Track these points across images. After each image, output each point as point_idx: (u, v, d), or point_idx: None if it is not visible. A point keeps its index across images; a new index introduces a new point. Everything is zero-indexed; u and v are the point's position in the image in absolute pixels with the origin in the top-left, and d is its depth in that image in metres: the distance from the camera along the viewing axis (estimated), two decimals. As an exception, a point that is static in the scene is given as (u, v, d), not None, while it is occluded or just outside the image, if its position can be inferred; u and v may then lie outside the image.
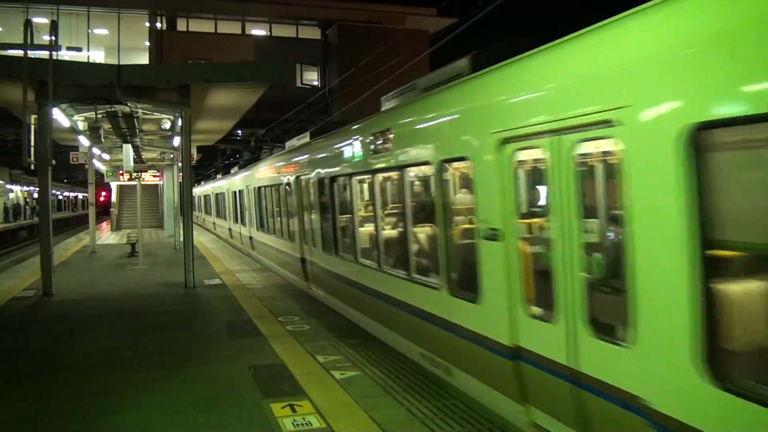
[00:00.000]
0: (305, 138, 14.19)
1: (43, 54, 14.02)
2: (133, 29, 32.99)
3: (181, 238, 16.84)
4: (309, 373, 7.13)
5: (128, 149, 19.64)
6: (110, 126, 18.09)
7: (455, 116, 6.37)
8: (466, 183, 6.56)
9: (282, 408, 5.97)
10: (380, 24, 34.32)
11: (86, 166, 25.76)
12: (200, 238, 29.24)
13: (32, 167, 13.90)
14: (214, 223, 33.98)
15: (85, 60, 28.29)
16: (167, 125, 19.58)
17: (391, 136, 7.81)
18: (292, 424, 5.59)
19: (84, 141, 21.63)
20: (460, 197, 6.96)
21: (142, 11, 33.44)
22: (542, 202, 5.77)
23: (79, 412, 6.17)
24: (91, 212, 25.61)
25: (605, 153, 5.44)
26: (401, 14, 35.65)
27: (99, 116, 16.61)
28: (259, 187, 18.11)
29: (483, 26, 11.07)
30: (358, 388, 6.49)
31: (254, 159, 25.84)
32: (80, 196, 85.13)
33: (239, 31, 35.37)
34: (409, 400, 6.08)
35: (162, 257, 21.21)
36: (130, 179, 26.95)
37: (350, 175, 9.68)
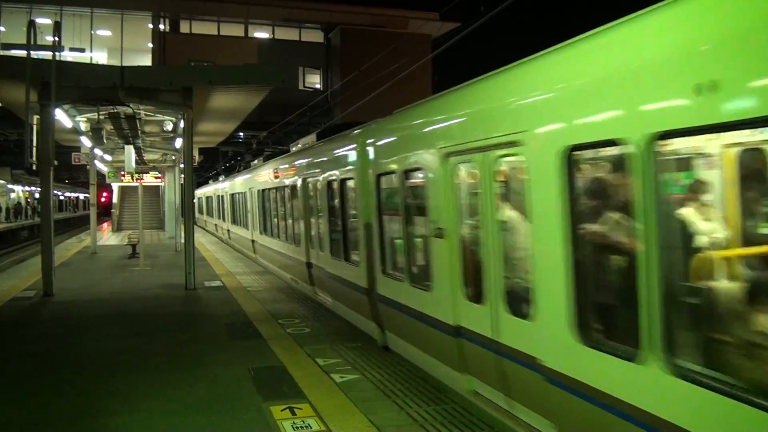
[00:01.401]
0: None
1: (47, 55, 14.03)
2: (136, 31, 33.05)
3: (182, 240, 16.84)
4: (309, 375, 7.13)
5: (130, 150, 19.69)
6: (112, 127, 18.12)
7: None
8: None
9: (282, 411, 5.97)
10: (383, 28, 34.35)
11: (88, 167, 25.81)
12: (201, 239, 29.25)
13: (34, 167, 13.92)
14: (253, 242, 21.08)
15: (88, 61, 28.32)
16: (169, 127, 19.61)
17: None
18: (292, 426, 5.59)
19: (86, 142, 21.68)
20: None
21: (146, 13, 33.49)
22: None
23: (79, 414, 6.17)
24: (93, 213, 25.63)
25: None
26: (404, 18, 35.69)
27: (101, 117, 16.63)
28: None
29: (486, 30, 11.10)
30: (358, 392, 6.49)
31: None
32: (81, 196, 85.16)
33: (242, 34, 35.41)
34: (409, 404, 6.08)
35: (163, 259, 21.21)
36: (125, 178, 27.01)
37: None
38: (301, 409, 6.02)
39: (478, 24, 10.69)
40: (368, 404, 6.10)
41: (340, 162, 10.41)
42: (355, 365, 7.50)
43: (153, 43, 33.82)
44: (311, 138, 14.32)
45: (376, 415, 5.80)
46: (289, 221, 14.93)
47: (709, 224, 4.39)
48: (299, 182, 13.43)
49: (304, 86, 35.16)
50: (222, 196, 30.88)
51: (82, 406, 6.36)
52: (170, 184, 29.84)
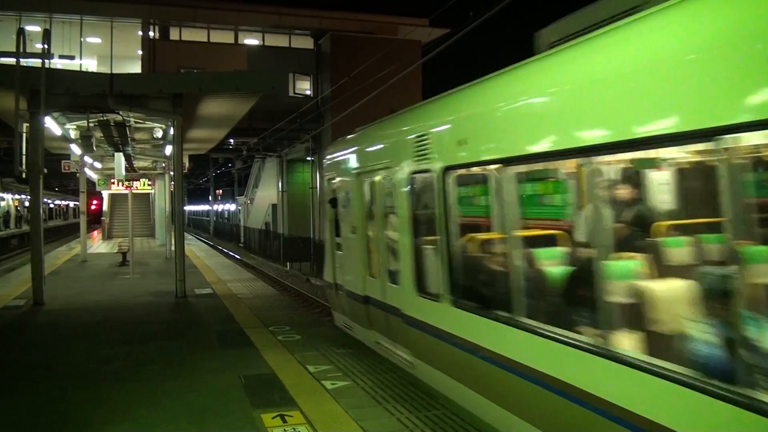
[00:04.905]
0: None
1: (36, 62, 14.00)
2: (125, 38, 32.91)
3: (173, 248, 16.79)
4: (300, 383, 7.12)
5: (120, 158, 19.63)
6: (102, 135, 18.07)
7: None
8: None
9: (272, 418, 5.96)
10: (373, 34, 34.37)
11: (78, 174, 25.72)
12: (192, 247, 29.14)
13: (24, 175, 13.86)
14: None
15: (78, 68, 28.22)
16: (159, 134, 19.59)
17: None
18: (283, 434, 5.58)
19: (76, 149, 21.61)
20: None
21: (135, 20, 33.39)
22: None
23: (69, 423, 6.14)
24: (82, 221, 25.51)
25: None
26: (394, 24, 35.72)
27: (91, 125, 16.60)
28: None
29: (474, 37, 11.17)
30: (349, 399, 6.49)
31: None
32: (72, 204, 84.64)
33: (232, 41, 35.35)
34: (400, 411, 6.09)
35: (153, 266, 21.14)
36: (114, 185, 26.99)
37: None
38: (291, 416, 6.01)
39: (467, 30, 10.76)
40: (359, 411, 6.10)
41: None
42: (347, 372, 7.50)
43: (143, 51, 33.70)
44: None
45: (367, 421, 5.81)
46: None
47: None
48: None
49: (295, 92, 35.08)
50: None
51: (72, 415, 6.33)
52: (161, 192, 29.78)
